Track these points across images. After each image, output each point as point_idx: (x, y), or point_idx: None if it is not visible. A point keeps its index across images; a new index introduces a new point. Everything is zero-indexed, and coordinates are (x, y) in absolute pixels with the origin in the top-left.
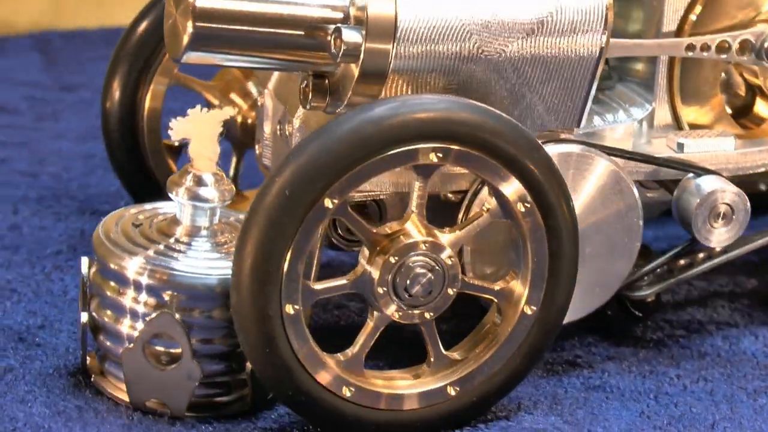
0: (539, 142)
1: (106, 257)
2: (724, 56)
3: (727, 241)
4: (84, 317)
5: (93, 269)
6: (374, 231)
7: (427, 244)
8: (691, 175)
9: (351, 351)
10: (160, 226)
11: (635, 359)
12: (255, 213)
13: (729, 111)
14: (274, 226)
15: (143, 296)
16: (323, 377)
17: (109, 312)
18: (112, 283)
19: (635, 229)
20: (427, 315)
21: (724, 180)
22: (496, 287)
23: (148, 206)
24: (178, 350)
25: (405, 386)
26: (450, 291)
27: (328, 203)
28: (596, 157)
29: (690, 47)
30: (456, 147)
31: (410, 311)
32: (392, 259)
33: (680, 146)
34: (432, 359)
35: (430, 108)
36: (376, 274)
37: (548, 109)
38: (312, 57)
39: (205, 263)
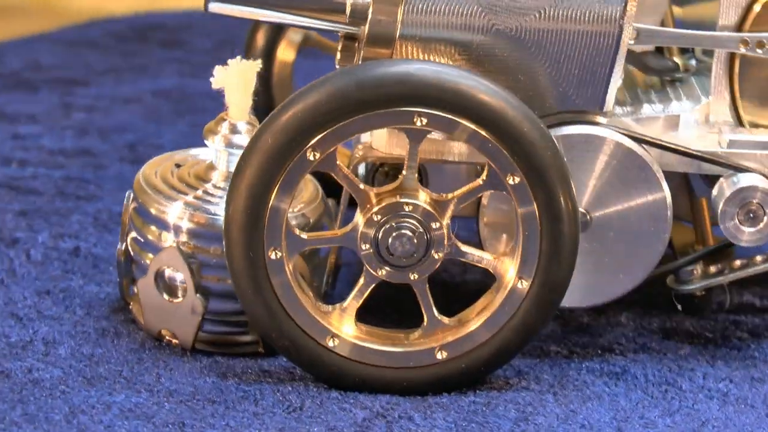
0: (534, 115)
1: (147, 203)
2: None
3: (755, 241)
4: (121, 247)
5: (132, 205)
6: (362, 188)
7: (411, 206)
8: (731, 172)
9: (341, 304)
10: (197, 172)
11: (673, 354)
12: (244, 158)
13: None
14: (259, 173)
15: (183, 238)
16: (307, 325)
17: (150, 255)
18: (153, 228)
19: (662, 219)
20: (412, 276)
21: (764, 180)
22: (489, 257)
23: (185, 153)
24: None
25: (393, 344)
26: (436, 255)
27: (310, 155)
28: (620, 142)
29: (744, 43)
30: (441, 113)
31: (394, 270)
32: (375, 217)
33: (725, 143)
34: (425, 323)
35: (414, 72)
36: (361, 229)
37: (564, 89)
38: (334, 17)
39: None
